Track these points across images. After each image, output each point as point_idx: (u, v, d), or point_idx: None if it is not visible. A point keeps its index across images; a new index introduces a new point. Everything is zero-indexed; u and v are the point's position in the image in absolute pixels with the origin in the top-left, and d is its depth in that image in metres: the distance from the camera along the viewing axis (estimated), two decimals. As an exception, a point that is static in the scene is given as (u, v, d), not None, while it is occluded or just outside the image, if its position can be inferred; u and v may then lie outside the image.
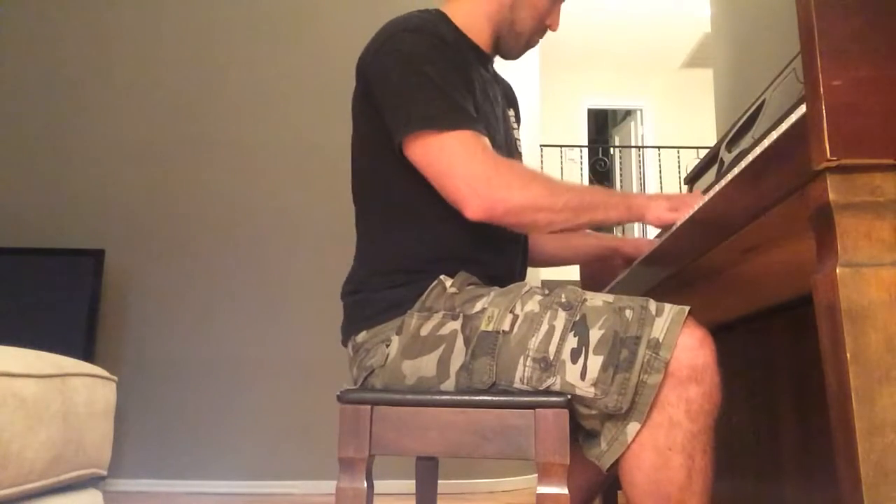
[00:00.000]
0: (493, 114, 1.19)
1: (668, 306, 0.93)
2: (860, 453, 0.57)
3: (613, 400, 0.89)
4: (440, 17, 1.16)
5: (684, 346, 0.89)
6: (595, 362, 0.90)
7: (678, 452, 0.88)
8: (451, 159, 1.01)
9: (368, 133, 1.12)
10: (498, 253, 1.17)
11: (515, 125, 1.33)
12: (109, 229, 3.32)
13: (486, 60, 1.24)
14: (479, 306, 1.00)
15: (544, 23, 1.24)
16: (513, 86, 1.39)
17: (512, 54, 1.27)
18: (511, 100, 1.35)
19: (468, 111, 1.06)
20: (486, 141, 1.05)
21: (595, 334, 0.92)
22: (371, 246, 1.12)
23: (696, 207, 1.00)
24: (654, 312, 0.92)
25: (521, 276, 1.22)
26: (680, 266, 1.06)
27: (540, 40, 1.28)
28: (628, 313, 0.93)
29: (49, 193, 3.37)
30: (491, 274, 1.11)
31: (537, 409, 0.91)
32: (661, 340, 0.89)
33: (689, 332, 0.90)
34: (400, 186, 1.09)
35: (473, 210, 1.01)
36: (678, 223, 1.01)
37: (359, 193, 1.17)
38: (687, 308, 0.93)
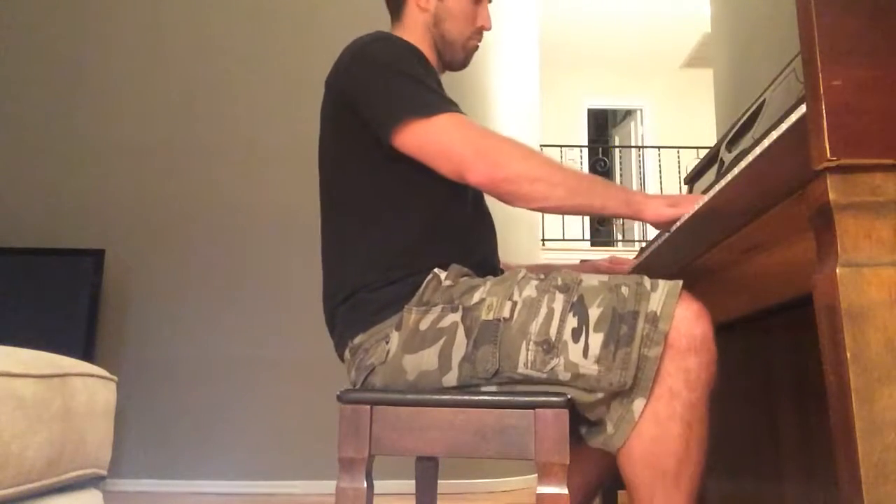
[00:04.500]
0: None
1: (661, 281, 0.95)
2: (860, 453, 0.57)
3: (617, 375, 0.90)
4: (403, 39, 1.19)
5: (682, 318, 0.91)
6: (596, 339, 0.92)
7: (677, 422, 0.89)
8: (448, 135, 1.05)
9: (347, 141, 1.14)
10: (482, 243, 1.19)
11: None
12: (109, 229, 3.32)
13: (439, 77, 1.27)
14: (477, 297, 1.01)
15: (475, 25, 1.26)
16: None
17: (455, 64, 1.29)
18: None
19: (450, 99, 1.09)
20: (475, 121, 1.08)
21: (594, 312, 0.94)
22: (357, 248, 1.12)
23: (696, 205, 1.01)
24: (649, 288, 0.94)
25: (498, 267, 1.23)
26: (680, 266, 1.06)
27: (478, 43, 1.29)
28: (624, 290, 0.94)
29: (49, 193, 3.38)
30: (476, 260, 1.12)
31: (537, 409, 0.91)
32: (658, 313, 0.91)
33: (685, 305, 0.92)
34: (383, 188, 1.11)
35: (476, 173, 1.03)
36: (680, 221, 1.01)
37: (334, 201, 1.17)
38: (680, 282, 0.94)
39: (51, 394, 1.04)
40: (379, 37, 1.15)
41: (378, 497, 1.02)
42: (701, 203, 0.93)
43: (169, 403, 3.17)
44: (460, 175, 1.05)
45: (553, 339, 0.94)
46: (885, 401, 0.58)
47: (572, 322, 0.94)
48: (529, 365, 0.95)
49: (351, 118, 1.11)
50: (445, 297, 1.03)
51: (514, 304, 0.98)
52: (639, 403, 0.91)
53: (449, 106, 1.07)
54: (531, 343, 0.95)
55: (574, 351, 0.93)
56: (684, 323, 0.91)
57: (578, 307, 0.95)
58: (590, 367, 0.92)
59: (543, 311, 0.96)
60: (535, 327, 0.95)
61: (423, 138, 1.05)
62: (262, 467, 3.10)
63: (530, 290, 0.99)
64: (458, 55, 1.27)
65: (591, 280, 0.98)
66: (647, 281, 0.95)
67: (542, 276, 1.01)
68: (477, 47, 1.30)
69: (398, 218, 1.11)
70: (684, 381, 0.89)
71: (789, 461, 1.36)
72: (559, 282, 0.99)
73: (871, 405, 0.58)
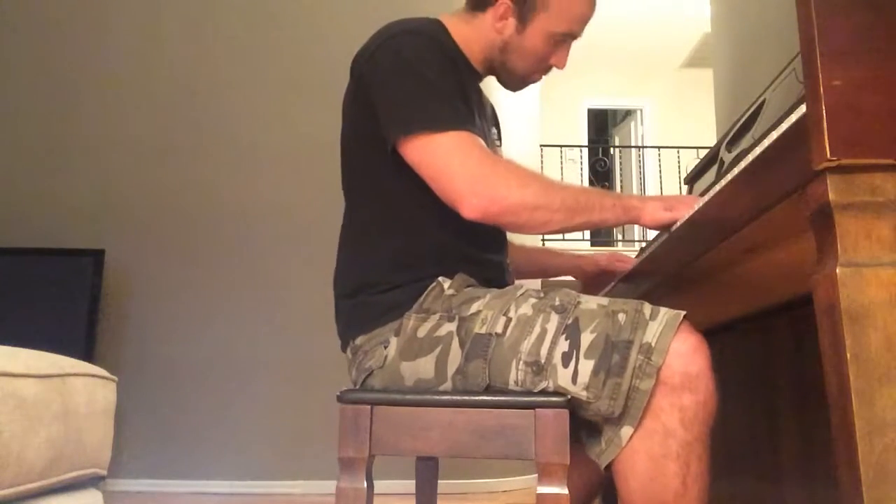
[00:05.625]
0: (481, 128, 1.20)
1: (662, 310, 0.92)
2: (860, 453, 0.57)
3: (605, 404, 0.89)
4: (439, 27, 1.16)
5: (677, 353, 0.88)
6: (586, 366, 0.90)
7: (673, 460, 0.87)
8: (447, 159, 1.01)
9: (361, 132, 1.12)
10: (493, 254, 1.17)
11: (498, 143, 1.34)
12: (109, 229, 3.32)
13: (477, 77, 1.23)
14: (474, 308, 1.00)
15: (545, 62, 1.21)
16: (506, 95, 1.39)
17: (509, 87, 1.26)
18: (494, 119, 1.35)
19: (463, 113, 1.06)
20: (481, 141, 1.05)
21: (587, 338, 0.91)
22: (367, 245, 1.12)
23: (693, 207, 1.01)
24: (647, 316, 0.91)
25: (510, 279, 1.22)
26: (680, 266, 1.06)
27: (541, 77, 1.25)
28: (621, 317, 0.92)
29: (49, 193, 3.38)
30: (488, 276, 1.11)
31: (537, 409, 0.91)
32: (653, 345, 0.88)
33: (682, 339, 0.89)
34: (395, 186, 1.09)
35: (470, 208, 1.00)
36: (677, 224, 1.01)
37: (351, 191, 1.17)
38: (682, 313, 0.92)
39: (51, 394, 1.04)
40: (410, 28, 1.10)
41: (378, 497, 1.01)
42: (700, 204, 0.92)
43: (169, 403, 3.17)
44: (453, 206, 1.02)
45: (543, 361, 0.93)
46: (885, 401, 0.58)
47: (563, 345, 0.92)
48: (519, 384, 0.94)
49: (368, 111, 1.08)
50: (445, 306, 1.02)
51: (509, 320, 0.96)
52: (626, 430, 0.89)
53: (460, 123, 1.03)
54: (521, 362, 0.94)
55: (563, 375, 0.91)
56: (679, 359, 0.88)
57: (572, 330, 0.93)
58: (578, 394, 0.90)
59: (536, 330, 0.94)
60: (526, 346, 0.94)
61: (423, 156, 1.03)
62: (262, 467, 3.10)
63: (526, 308, 0.97)
64: (514, 83, 1.24)
65: (589, 303, 0.96)
66: (647, 308, 0.92)
67: (541, 294, 1.00)
68: (539, 80, 1.25)
69: (407, 223, 1.10)
70: (679, 419, 0.87)
71: (789, 461, 1.36)
72: (556, 302, 0.97)
73: (871, 405, 0.58)
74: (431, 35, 1.11)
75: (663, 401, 0.88)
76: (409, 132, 1.02)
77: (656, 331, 0.89)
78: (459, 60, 1.16)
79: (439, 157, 1.02)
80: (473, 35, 1.18)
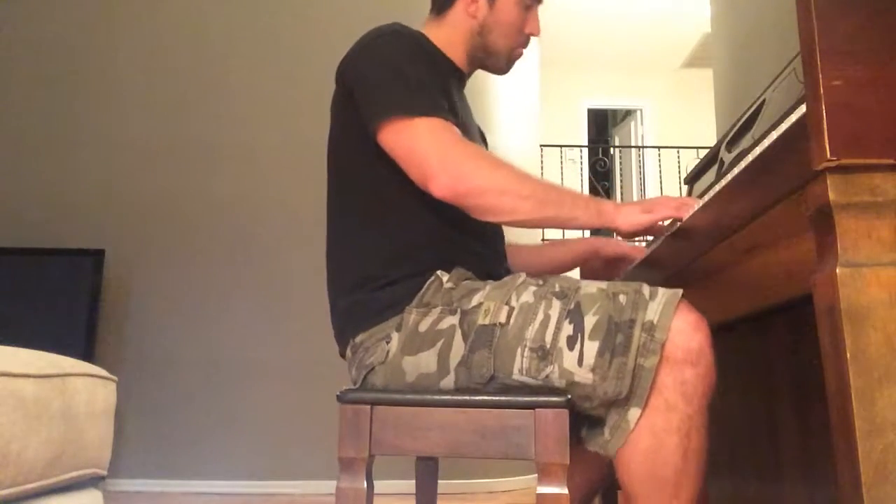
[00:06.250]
0: (465, 124, 1.21)
1: (661, 290, 0.94)
2: (860, 453, 0.57)
3: (612, 385, 0.90)
4: (419, 33, 1.19)
5: (678, 330, 0.90)
6: (591, 348, 0.91)
7: (674, 434, 0.89)
8: (421, 140, 1.03)
9: (350, 133, 1.13)
10: (488, 243, 1.18)
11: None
12: (109, 229, 3.32)
13: (462, 76, 1.26)
14: (475, 300, 1.00)
15: (522, 34, 1.25)
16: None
17: (498, 71, 1.29)
18: (480, 133, 1.37)
19: (441, 104, 1.08)
20: (456, 129, 1.07)
21: (590, 320, 0.93)
22: (361, 239, 1.12)
23: (672, 207, 1.01)
24: (647, 296, 0.93)
25: (506, 270, 1.23)
26: (680, 266, 1.06)
27: (524, 50, 1.28)
28: (622, 298, 0.94)
29: (49, 193, 3.38)
30: (484, 266, 1.12)
31: (537, 409, 0.91)
32: (655, 323, 0.90)
33: (682, 316, 0.91)
34: (386, 177, 1.10)
35: (439, 187, 1.01)
36: (678, 223, 1.01)
37: (341, 190, 1.17)
38: (680, 291, 0.93)
39: (51, 394, 1.04)
40: (390, 30, 1.14)
41: (378, 497, 1.02)
42: (699, 205, 0.93)
43: (169, 403, 3.17)
44: (424, 185, 1.03)
45: (548, 345, 0.93)
46: (885, 401, 0.58)
47: (568, 329, 0.93)
48: (524, 371, 0.94)
49: (354, 111, 1.11)
50: (445, 300, 1.03)
51: (511, 309, 0.97)
52: (634, 412, 0.90)
53: (436, 110, 1.05)
54: (526, 349, 0.94)
55: (569, 358, 0.92)
56: (680, 335, 0.90)
57: (575, 314, 0.94)
58: (584, 376, 0.91)
59: (540, 317, 0.95)
60: (530, 333, 0.95)
61: (397, 138, 1.05)
62: (262, 467, 3.10)
63: (528, 296, 0.98)
64: (501, 64, 1.27)
65: (589, 287, 0.98)
66: (646, 289, 0.94)
67: (540, 282, 1.01)
68: (522, 54, 1.28)
69: (401, 217, 1.11)
70: (681, 393, 0.89)
71: (789, 461, 1.36)
72: (557, 288, 0.98)
73: (871, 405, 0.58)
74: (412, 37, 1.15)
75: (667, 377, 0.89)
76: (386, 116, 1.05)
77: (657, 309, 0.91)
78: (441, 60, 1.20)
79: (413, 139, 1.04)
80: (451, 34, 1.22)
